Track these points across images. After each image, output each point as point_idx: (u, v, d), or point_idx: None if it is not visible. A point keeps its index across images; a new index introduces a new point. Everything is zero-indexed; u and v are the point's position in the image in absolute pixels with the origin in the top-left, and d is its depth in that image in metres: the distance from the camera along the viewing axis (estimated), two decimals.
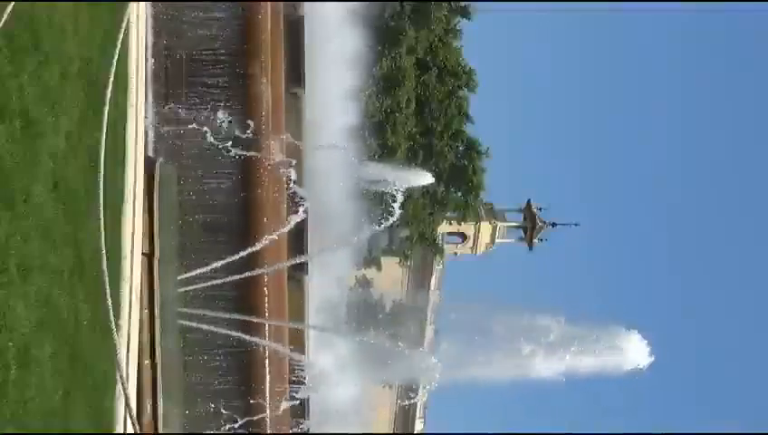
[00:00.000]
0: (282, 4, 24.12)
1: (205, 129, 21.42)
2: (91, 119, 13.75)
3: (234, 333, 20.94)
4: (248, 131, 21.48)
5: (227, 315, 21.06)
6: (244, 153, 21.48)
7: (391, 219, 23.36)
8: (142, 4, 18.91)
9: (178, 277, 20.53)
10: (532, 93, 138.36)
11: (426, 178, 36.57)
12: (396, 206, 23.21)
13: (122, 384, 12.42)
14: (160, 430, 18.86)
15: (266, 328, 21.54)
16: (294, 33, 24.93)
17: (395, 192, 23.42)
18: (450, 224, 54.49)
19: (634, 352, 26.73)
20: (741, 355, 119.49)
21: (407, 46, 45.26)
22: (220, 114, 21.55)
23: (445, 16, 47.14)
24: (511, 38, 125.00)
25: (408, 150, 46.05)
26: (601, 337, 26.73)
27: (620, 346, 26.72)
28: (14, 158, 10.79)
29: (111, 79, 13.48)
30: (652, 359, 26.88)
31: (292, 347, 22.88)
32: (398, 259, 53.00)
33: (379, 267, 52.80)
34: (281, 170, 22.15)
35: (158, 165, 19.53)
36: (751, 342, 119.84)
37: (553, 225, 56.89)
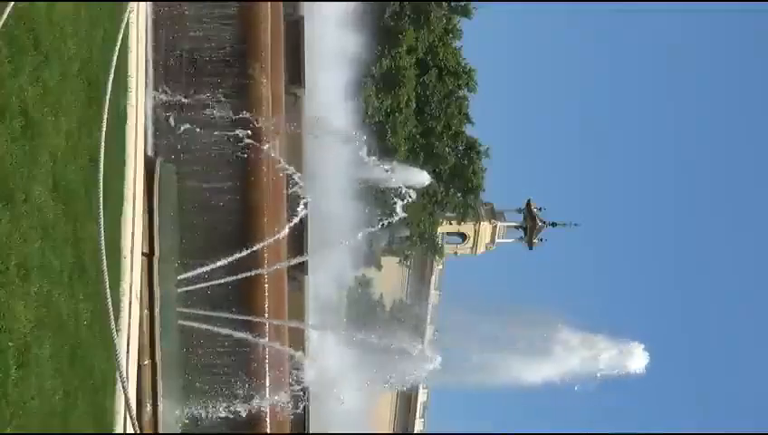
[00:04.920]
0: (282, 4, 24.13)
1: (204, 128, 21.43)
2: (91, 119, 13.74)
3: (234, 333, 20.94)
4: (248, 131, 21.49)
5: (227, 315, 21.06)
6: (244, 152, 21.49)
7: (394, 218, 23.37)
8: (142, 3, 18.90)
9: (178, 277, 20.53)
10: (532, 93, 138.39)
11: (425, 178, 36.64)
12: (399, 206, 23.23)
13: (122, 384, 12.41)
14: (160, 430, 18.85)
15: (266, 328, 21.54)
16: (294, 33, 24.94)
17: (404, 193, 23.42)
18: (450, 224, 54.49)
19: (631, 356, 26.76)
20: (741, 355, 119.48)
21: (407, 46, 45.26)
22: (220, 114, 21.56)
23: (444, 16, 47.13)
24: (511, 38, 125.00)
25: (409, 151, 46.07)
26: (600, 342, 26.76)
27: (619, 351, 26.75)
28: (14, 158, 10.77)
29: (111, 79, 13.46)
30: (646, 361, 26.92)
31: (292, 347, 22.88)
32: (398, 259, 53.02)
33: (379, 267, 52.81)
34: (281, 170, 22.16)
35: (158, 165, 19.52)
36: (751, 341, 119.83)
37: (553, 225, 56.86)
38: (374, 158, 24.22)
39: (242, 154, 21.47)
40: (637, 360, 26.94)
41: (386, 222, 23.51)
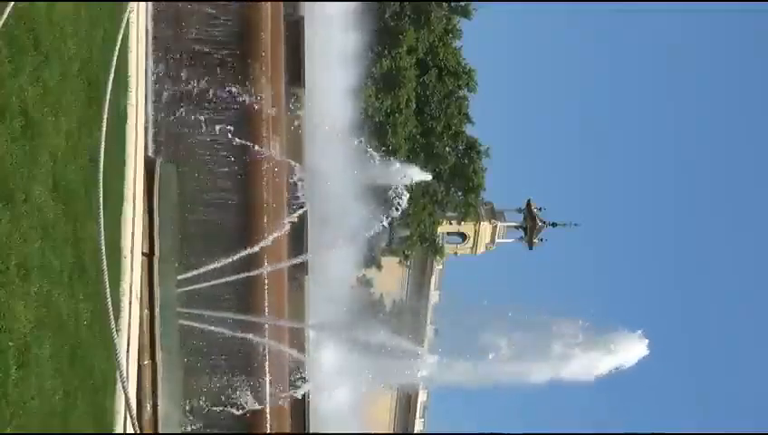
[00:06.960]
0: (282, 4, 24.15)
1: (205, 127, 21.44)
2: (91, 119, 13.74)
3: (234, 333, 20.96)
4: (247, 130, 21.52)
5: (227, 315, 21.07)
6: (244, 152, 21.50)
7: (393, 215, 23.40)
8: (142, 3, 18.92)
9: (178, 277, 20.54)
10: (532, 93, 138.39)
11: (423, 175, 36.65)
12: (401, 203, 23.26)
13: (122, 384, 12.41)
14: (160, 430, 18.87)
15: (266, 328, 21.56)
16: (294, 33, 24.96)
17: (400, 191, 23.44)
18: (450, 224, 54.48)
19: (630, 350, 26.78)
20: (741, 355, 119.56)
21: (407, 46, 45.27)
22: (219, 114, 21.58)
23: (445, 16, 47.15)
24: (511, 38, 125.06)
25: (409, 151, 46.08)
26: (600, 339, 26.78)
27: (617, 347, 26.76)
28: (14, 158, 10.77)
29: (111, 79, 13.47)
30: (646, 353, 26.93)
31: (291, 347, 22.90)
32: (398, 259, 53.02)
33: (379, 267, 52.80)
34: (281, 170, 22.17)
35: (158, 165, 19.54)
36: (751, 341, 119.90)
37: (553, 225, 56.82)
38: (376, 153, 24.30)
39: (241, 153, 21.49)
40: (637, 350, 26.97)
41: (399, 204, 23.50)
